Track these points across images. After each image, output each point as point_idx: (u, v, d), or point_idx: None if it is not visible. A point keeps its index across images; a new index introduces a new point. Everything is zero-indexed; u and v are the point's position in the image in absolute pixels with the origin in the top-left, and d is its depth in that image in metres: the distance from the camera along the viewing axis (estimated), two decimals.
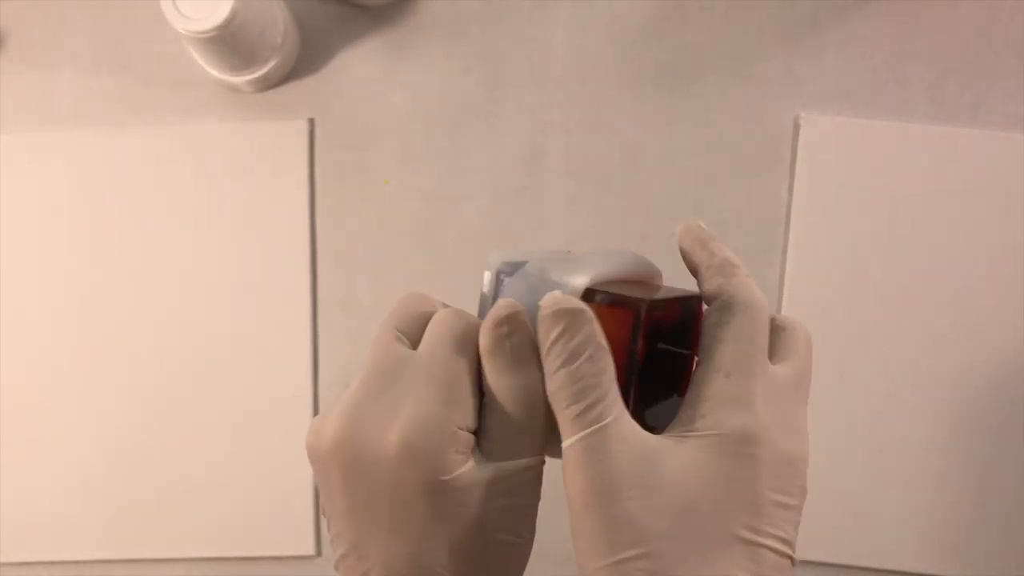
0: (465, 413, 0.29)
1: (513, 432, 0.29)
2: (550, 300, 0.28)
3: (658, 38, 0.56)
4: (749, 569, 0.26)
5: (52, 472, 0.55)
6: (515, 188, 0.56)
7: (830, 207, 0.55)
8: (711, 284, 0.30)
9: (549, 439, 0.29)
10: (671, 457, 0.27)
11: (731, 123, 0.56)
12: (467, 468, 0.28)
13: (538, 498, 0.30)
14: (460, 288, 0.56)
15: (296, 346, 0.56)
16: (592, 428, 0.27)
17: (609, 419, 0.27)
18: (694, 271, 0.31)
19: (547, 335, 0.28)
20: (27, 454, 0.55)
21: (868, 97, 0.55)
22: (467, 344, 0.30)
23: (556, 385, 0.28)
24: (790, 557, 0.27)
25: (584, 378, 0.27)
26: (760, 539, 0.27)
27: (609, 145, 0.56)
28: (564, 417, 0.28)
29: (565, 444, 0.28)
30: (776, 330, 0.30)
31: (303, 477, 0.55)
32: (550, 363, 0.28)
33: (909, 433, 0.54)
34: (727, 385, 0.28)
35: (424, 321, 0.32)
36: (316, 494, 0.55)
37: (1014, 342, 0.54)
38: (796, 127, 0.55)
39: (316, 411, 0.55)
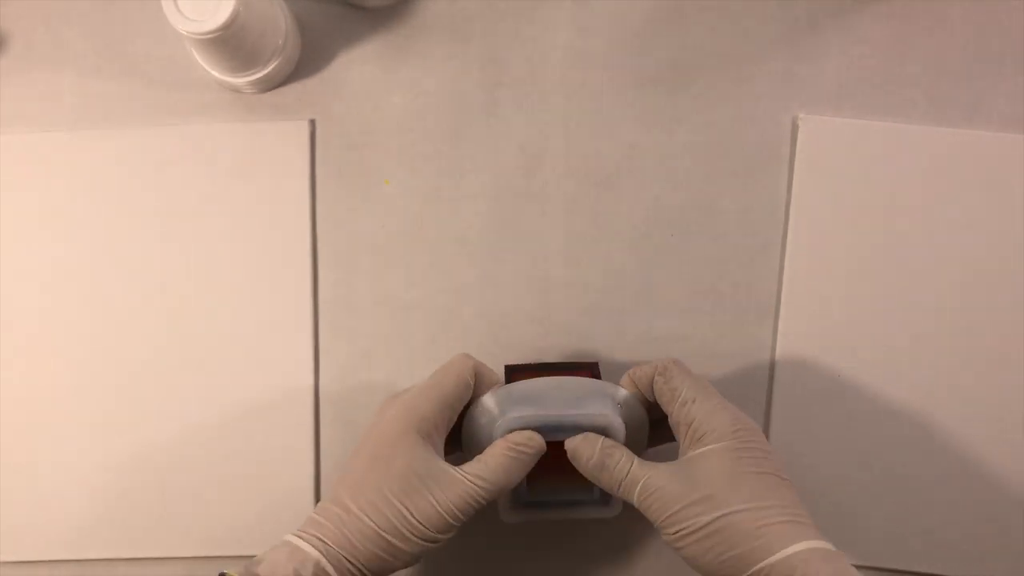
0: (442, 418, 0.45)
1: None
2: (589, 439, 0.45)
3: (658, 38, 0.56)
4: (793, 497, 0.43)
5: (52, 472, 0.55)
6: (515, 188, 0.56)
7: (829, 207, 0.55)
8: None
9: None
10: (697, 465, 0.43)
11: (730, 123, 0.56)
12: (426, 449, 0.43)
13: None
14: (459, 287, 0.56)
15: (296, 346, 0.56)
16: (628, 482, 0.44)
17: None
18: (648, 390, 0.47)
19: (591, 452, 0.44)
20: (27, 454, 0.55)
21: (867, 98, 0.56)
22: (462, 385, 0.46)
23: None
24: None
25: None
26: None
27: (609, 145, 0.56)
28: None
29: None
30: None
31: (303, 477, 0.55)
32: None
33: (908, 433, 0.54)
34: (705, 408, 0.44)
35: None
36: (316, 494, 0.55)
37: (1014, 342, 0.54)
38: (795, 127, 0.55)
39: (316, 410, 0.56)
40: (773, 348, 0.55)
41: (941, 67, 0.55)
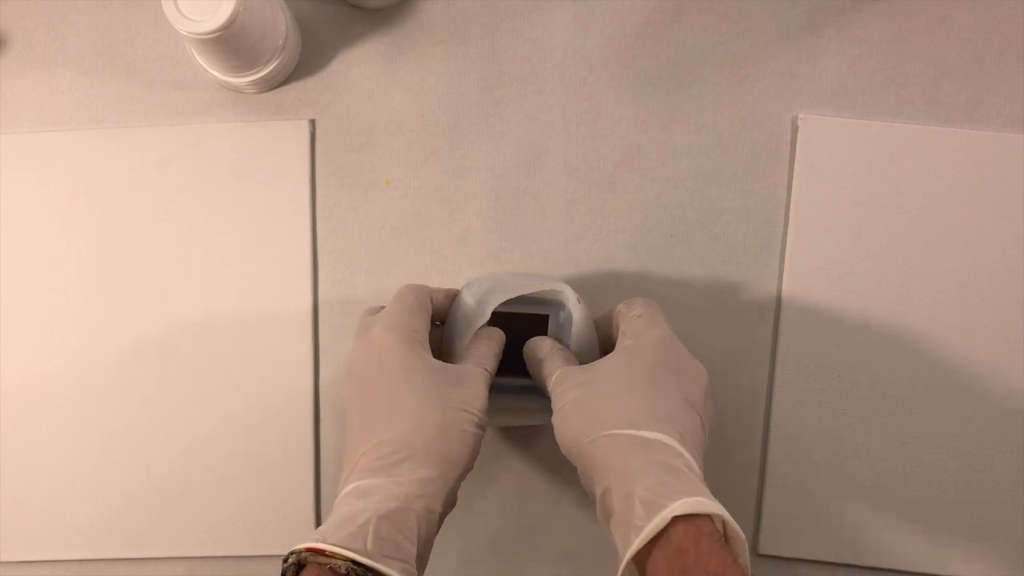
0: (421, 326, 0.46)
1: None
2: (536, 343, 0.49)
3: (658, 39, 0.56)
4: (684, 403, 0.43)
5: (52, 472, 0.55)
6: (515, 188, 0.56)
7: (829, 207, 0.55)
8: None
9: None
10: (610, 360, 0.45)
11: (730, 124, 0.56)
12: (427, 353, 0.45)
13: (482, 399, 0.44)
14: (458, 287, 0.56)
15: (296, 346, 0.56)
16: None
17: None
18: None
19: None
20: (27, 454, 0.56)
21: (866, 98, 0.56)
22: (423, 300, 0.47)
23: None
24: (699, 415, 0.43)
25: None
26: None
27: (609, 145, 0.56)
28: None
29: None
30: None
31: (303, 476, 0.55)
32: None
33: (907, 432, 0.54)
34: (642, 321, 0.46)
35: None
36: (316, 494, 0.55)
37: (1013, 342, 0.54)
38: (795, 127, 0.56)
39: (316, 410, 0.56)
40: (773, 348, 0.55)
41: (941, 67, 0.56)
